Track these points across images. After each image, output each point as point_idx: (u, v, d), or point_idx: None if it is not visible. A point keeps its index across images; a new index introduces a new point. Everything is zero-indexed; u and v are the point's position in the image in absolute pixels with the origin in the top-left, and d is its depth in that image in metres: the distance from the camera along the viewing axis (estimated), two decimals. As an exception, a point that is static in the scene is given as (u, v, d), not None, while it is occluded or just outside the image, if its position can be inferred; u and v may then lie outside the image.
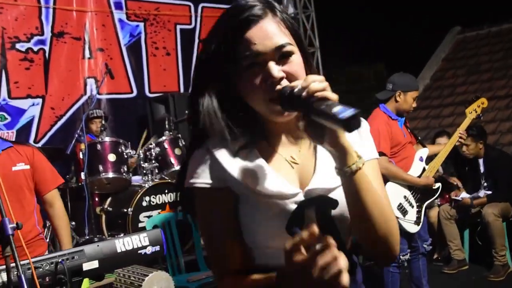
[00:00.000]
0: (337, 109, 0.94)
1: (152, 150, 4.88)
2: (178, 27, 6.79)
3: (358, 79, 11.39)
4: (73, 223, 4.76)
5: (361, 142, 1.16)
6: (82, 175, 4.55)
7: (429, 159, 3.89)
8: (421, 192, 3.68)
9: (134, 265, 3.35)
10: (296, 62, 1.08)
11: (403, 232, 3.58)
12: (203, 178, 1.11)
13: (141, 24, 6.46)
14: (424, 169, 3.73)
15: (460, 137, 3.86)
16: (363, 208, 1.04)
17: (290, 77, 1.05)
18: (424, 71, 8.76)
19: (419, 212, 3.66)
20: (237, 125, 1.11)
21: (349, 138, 1.06)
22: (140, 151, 4.93)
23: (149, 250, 2.85)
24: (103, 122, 4.91)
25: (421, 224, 3.66)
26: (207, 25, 7.08)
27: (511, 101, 7.08)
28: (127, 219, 4.52)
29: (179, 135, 5.16)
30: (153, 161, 4.87)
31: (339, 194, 1.09)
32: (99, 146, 4.67)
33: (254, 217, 1.10)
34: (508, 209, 4.85)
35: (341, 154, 1.01)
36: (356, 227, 1.10)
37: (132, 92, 6.38)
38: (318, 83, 0.98)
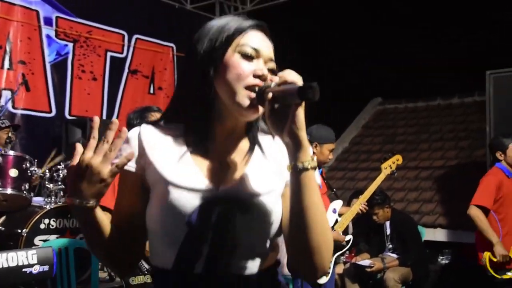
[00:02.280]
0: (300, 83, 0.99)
1: (60, 171, 4.60)
2: (109, 53, 6.67)
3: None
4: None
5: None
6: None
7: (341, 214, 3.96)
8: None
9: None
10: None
11: (312, 284, 3.55)
12: (126, 158, 1.12)
13: (70, 45, 6.27)
14: (336, 221, 3.77)
15: (361, 209, 4.00)
16: (305, 210, 1.04)
17: None
18: (344, 135, 9.13)
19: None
20: (196, 106, 1.15)
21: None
22: (46, 171, 4.62)
23: (36, 269, 2.60)
24: (9, 134, 4.58)
25: (329, 276, 3.66)
26: (138, 57, 7.02)
27: (419, 173, 7.49)
28: (19, 240, 4.15)
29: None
30: (59, 183, 4.57)
31: (261, 201, 1.11)
32: (0, 159, 4.32)
33: (164, 206, 1.11)
34: (408, 273, 4.98)
35: (297, 148, 1.03)
36: (291, 232, 1.10)
37: (50, 111, 6.09)
38: (294, 74, 1.03)
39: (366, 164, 8.15)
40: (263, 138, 1.22)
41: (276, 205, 1.14)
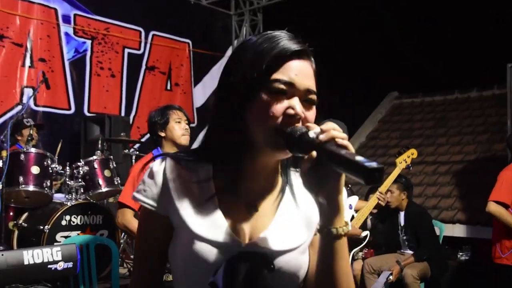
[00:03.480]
0: (360, 158, 0.90)
1: (80, 168, 4.65)
2: (126, 50, 6.71)
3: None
4: (-19, 236, 4.40)
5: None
6: (-1, 185, 4.23)
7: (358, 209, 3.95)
8: (348, 240, 3.70)
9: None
10: (314, 113, 1.07)
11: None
12: (148, 198, 1.10)
13: (88, 42, 6.33)
14: (353, 217, 3.77)
15: (378, 198, 3.98)
16: (333, 277, 1.00)
17: (305, 123, 1.03)
18: (361, 129, 9.09)
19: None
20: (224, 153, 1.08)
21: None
22: (67, 168, 4.66)
23: (60, 265, 2.64)
24: (31, 131, 4.63)
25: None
26: (155, 53, 7.06)
27: (437, 167, 7.42)
28: (42, 237, 4.21)
29: (111, 156, 4.97)
30: (80, 180, 4.62)
31: (288, 258, 1.06)
32: (22, 156, 4.38)
33: (187, 254, 1.06)
34: (427, 269, 4.95)
35: (332, 212, 0.97)
36: None
37: (69, 109, 6.16)
38: (338, 131, 0.95)
39: (383, 159, 8.10)
40: (294, 176, 1.15)
41: (303, 260, 1.10)
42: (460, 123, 8.22)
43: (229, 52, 8.24)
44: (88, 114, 6.24)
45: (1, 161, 4.28)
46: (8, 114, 5.52)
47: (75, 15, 6.17)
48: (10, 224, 4.51)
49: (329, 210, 0.97)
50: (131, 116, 6.68)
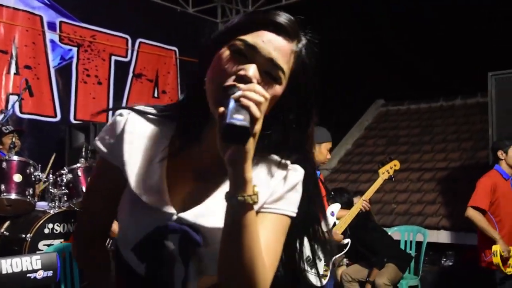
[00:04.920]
0: (236, 114, 0.84)
1: (64, 176, 4.63)
2: (113, 58, 6.71)
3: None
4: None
5: (281, 192, 1.06)
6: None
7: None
8: (329, 246, 3.71)
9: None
10: (274, 92, 0.99)
11: (310, 286, 3.58)
12: (103, 144, 1.11)
13: (74, 49, 6.32)
14: (334, 224, 3.80)
15: (363, 207, 4.02)
16: (233, 244, 0.94)
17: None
18: (347, 136, 9.14)
19: (327, 265, 3.69)
20: (194, 112, 1.06)
21: (266, 179, 1.05)
22: (50, 176, 4.65)
23: (40, 274, 2.64)
24: (13, 139, 4.61)
25: (328, 277, 3.68)
26: (142, 61, 7.06)
27: (422, 174, 7.49)
28: (24, 245, 4.18)
29: (95, 164, 4.94)
30: (63, 188, 4.61)
31: (215, 237, 1.01)
32: (4, 164, 4.36)
33: (127, 212, 1.07)
34: (395, 271, 4.98)
35: (236, 179, 0.91)
36: (219, 260, 0.98)
37: (55, 116, 6.13)
38: (258, 94, 0.89)
39: (369, 166, 8.15)
40: (264, 159, 1.09)
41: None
42: (445, 131, 8.30)
43: (216, 59, 8.26)
44: (74, 122, 6.22)
45: (-17, 169, 4.25)
46: (-8, 121, 5.48)
47: (60, 22, 6.16)
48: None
49: (233, 176, 0.91)
50: (118, 123, 6.64)
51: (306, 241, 3.64)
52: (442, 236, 6.27)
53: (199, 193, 1.06)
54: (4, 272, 2.22)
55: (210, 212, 1.03)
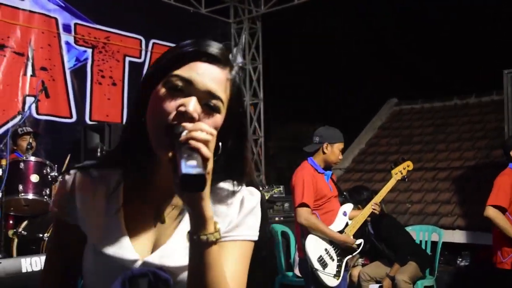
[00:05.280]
0: (189, 162, 0.83)
1: (80, 176, 4.67)
2: (127, 59, 6.77)
3: (298, 137, 11.66)
4: (-20, 245, 4.42)
5: (239, 218, 1.06)
6: (-1, 193, 4.26)
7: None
8: (341, 247, 3.71)
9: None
10: (215, 124, 0.98)
11: (322, 286, 3.58)
12: (57, 206, 1.11)
13: (89, 50, 6.38)
14: (347, 224, 3.78)
15: (374, 209, 4.00)
16: (200, 284, 0.94)
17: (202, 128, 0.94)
18: (360, 136, 9.11)
19: (339, 266, 3.68)
20: (136, 156, 1.05)
21: (223, 209, 1.03)
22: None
23: (58, 273, 2.67)
24: (30, 140, 4.67)
25: (340, 278, 3.66)
26: (156, 61, 7.09)
27: (437, 173, 7.43)
28: (41, 245, 4.25)
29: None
30: (79, 188, 4.64)
31: (184, 275, 1.00)
32: (22, 165, 4.42)
33: (91, 268, 1.05)
34: (416, 269, 4.95)
35: (196, 219, 0.90)
36: None
37: (71, 117, 6.20)
38: (204, 133, 0.88)
39: (383, 165, 8.11)
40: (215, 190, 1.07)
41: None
42: (459, 129, 8.23)
43: (228, 59, 8.28)
44: (90, 123, 6.28)
45: (0, 169, 4.32)
46: (10, 123, 5.57)
47: (75, 24, 6.23)
48: (10, 232, 4.53)
49: (194, 217, 0.91)
50: (132, 124, 6.70)
51: (317, 240, 3.60)
52: (458, 236, 6.22)
53: (160, 234, 1.05)
54: (24, 270, 2.26)
55: (174, 251, 1.02)
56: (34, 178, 4.46)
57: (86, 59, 6.35)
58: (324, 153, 3.75)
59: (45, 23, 5.92)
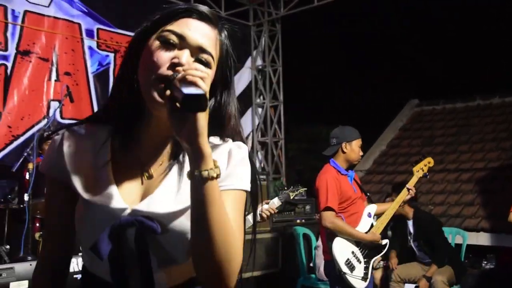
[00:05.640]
0: (189, 87, 0.88)
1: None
2: (148, 62, 6.84)
3: (317, 139, 11.62)
4: (7, 246, 4.50)
5: (229, 169, 1.08)
6: (26, 197, 4.34)
7: (378, 218, 3.93)
8: (368, 248, 3.70)
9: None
10: (208, 75, 1.03)
11: (350, 288, 3.57)
12: (46, 165, 1.12)
13: (111, 55, 6.46)
14: (372, 225, 3.76)
15: (409, 192, 3.91)
16: (205, 222, 0.94)
17: None
18: (381, 138, 9.05)
19: (366, 268, 3.66)
20: (124, 113, 1.08)
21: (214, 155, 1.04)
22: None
23: (86, 276, 2.71)
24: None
25: (368, 280, 3.65)
26: (176, 65, 7.15)
27: (460, 175, 7.35)
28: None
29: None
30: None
31: (174, 220, 1.03)
32: (48, 169, 4.49)
33: (83, 220, 1.07)
34: (452, 274, 4.91)
35: (196, 155, 0.92)
36: (193, 243, 0.99)
37: (94, 120, 6.28)
38: (199, 71, 0.93)
39: (404, 167, 8.05)
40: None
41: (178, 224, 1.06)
42: (482, 130, 8.13)
43: (248, 62, 8.32)
44: (111, 126, 6.36)
45: (27, 173, 4.40)
46: (35, 127, 5.66)
47: (98, 29, 6.32)
48: (37, 235, 4.61)
49: (193, 153, 0.93)
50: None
51: (344, 243, 3.59)
52: (482, 238, 6.14)
53: (148, 186, 1.08)
54: (53, 273, 2.27)
55: (162, 199, 1.04)
56: (60, 181, 4.52)
57: (109, 63, 6.43)
58: (344, 152, 3.75)
59: (68, 28, 6.02)
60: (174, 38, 1.01)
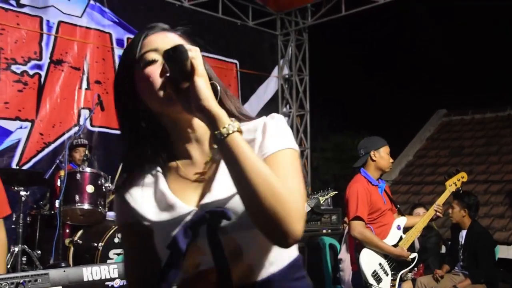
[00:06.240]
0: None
1: (132, 187, 4.79)
2: (176, 72, 6.93)
3: (342, 148, 11.54)
4: (39, 251, 4.59)
5: (264, 139, 1.10)
6: (57, 203, 4.43)
7: (406, 230, 3.88)
8: (396, 261, 3.66)
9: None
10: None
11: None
12: (117, 219, 1.22)
13: (140, 64, 6.57)
14: (401, 238, 3.72)
15: (436, 210, 3.88)
16: (241, 175, 0.97)
17: None
18: (408, 148, 8.94)
19: (393, 280, 3.63)
20: (150, 144, 1.16)
21: (249, 136, 1.09)
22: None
23: (117, 283, 2.75)
24: (86, 152, 4.84)
25: (395, 293, 3.61)
26: (204, 74, 7.22)
27: (489, 186, 7.21)
28: (96, 254, 4.37)
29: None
30: (132, 198, 4.76)
31: (235, 202, 1.06)
32: (78, 176, 4.58)
33: (159, 240, 1.13)
34: None
35: (209, 119, 0.99)
36: (242, 200, 1.01)
37: (123, 129, 6.37)
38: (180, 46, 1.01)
39: (431, 177, 7.94)
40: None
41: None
42: (513, 141, 7.97)
43: (275, 71, 8.34)
44: (141, 134, 6.45)
45: (59, 180, 4.49)
46: (66, 135, 5.78)
47: (128, 38, 6.43)
48: (66, 241, 4.69)
49: (206, 118, 0.99)
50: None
51: (371, 254, 3.57)
52: (513, 252, 6.00)
53: (203, 186, 1.14)
54: (85, 279, 2.35)
55: (221, 189, 1.08)
56: (90, 189, 4.61)
57: (138, 72, 6.54)
58: (373, 160, 3.74)
59: (100, 38, 6.14)
60: (151, 56, 1.09)
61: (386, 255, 3.64)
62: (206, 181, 1.13)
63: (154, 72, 1.08)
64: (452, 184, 4.00)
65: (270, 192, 0.96)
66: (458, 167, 7.76)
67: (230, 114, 1.10)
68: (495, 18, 8.87)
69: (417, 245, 5.26)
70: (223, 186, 1.08)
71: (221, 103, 1.08)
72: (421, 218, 3.94)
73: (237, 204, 1.04)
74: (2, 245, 2.65)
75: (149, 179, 1.16)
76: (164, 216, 1.11)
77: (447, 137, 8.92)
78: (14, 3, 5.49)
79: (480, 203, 6.95)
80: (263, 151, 1.08)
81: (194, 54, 1.01)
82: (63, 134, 5.78)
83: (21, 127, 5.50)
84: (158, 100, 1.08)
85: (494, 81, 9.23)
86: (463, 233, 5.04)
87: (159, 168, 1.16)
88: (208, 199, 1.09)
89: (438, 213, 3.88)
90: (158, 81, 1.07)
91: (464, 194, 4.73)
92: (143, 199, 1.15)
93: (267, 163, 1.03)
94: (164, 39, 1.12)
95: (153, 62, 1.09)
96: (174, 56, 0.99)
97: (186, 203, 1.10)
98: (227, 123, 0.98)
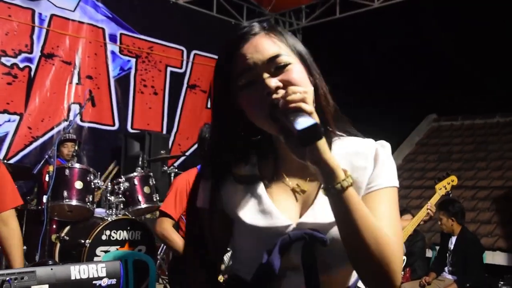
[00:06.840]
0: (298, 119, 0.89)
1: (121, 184, 4.76)
2: (169, 69, 6.89)
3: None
4: (25, 247, 4.53)
5: (377, 169, 1.09)
6: (44, 198, 4.37)
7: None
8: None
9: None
10: (295, 70, 1.05)
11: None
12: (204, 202, 1.16)
13: (133, 60, 6.52)
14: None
15: (429, 209, 3.89)
16: (352, 231, 0.97)
17: (289, 85, 1.00)
18: (397, 152, 8.98)
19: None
20: (253, 148, 1.14)
21: (356, 163, 1.07)
22: (109, 184, 4.80)
23: (104, 282, 2.72)
24: (75, 147, 4.79)
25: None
26: (197, 72, 7.21)
27: (476, 192, 7.26)
28: (82, 250, 4.33)
29: (151, 173, 5.07)
30: (120, 196, 4.74)
31: (334, 231, 1.04)
32: (67, 171, 4.53)
33: (245, 240, 1.13)
34: None
35: (325, 172, 0.96)
36: (348, 251, 1.01)
37: (113, 125, 6.34)
38: (298, 94, 0.95)
39: (420, 182, 7.98)
40: (336, 144, 1.13)
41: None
42: (501, 147, 8.03)
43: (267, 71, 8.33)
44: (131, 131, 6.41)
45: (47, 175, 4.44)
46: (55, 129, 5.73)
47: (121, 34, 6.39)
48: (53, 236, 4.63)
49: (321, 171, 0.96)
50: (172, 133, 6.83)
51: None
52: (499, 258, 6.05)
53: (303, 201, 1.11)
54: (73, 278, 2.32)
55: (323, 211, 1.06)
56: (78, 185, 4.56)
57: (130, 68, 6.50)
58: None
59: (92, 33, 6.10)
60: (248, 77, 1.03)
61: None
62: (306, 196, 1.11)
63: (256, 98, 1.02)
64: (442, 188, 4.02)
65: (377, 250, 0.97)
66: (446, 172, 7.84)
67: (325, 123, 1.08)
68: (486, 25, 8.93)
69: (404, 250, 5.29)
70: (325, 209, 1.04)
71: (320, 110, 1.04)
72: (411, 221, 3.95)
73: (337, 235, 1.03)
74: (15, 236, 2.62)
75: (245, 178, 1.13)
76: (259, 220, 1.08)
77: (436, 142, 8.97)
78: (6, -6, 5.44)
79: (467, 209, 7.02)
80: (371, 183, 1.08)
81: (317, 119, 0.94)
82: (52, 128, 5.73)
83: (9, 120, 5.44)
84: (263, 125, 1.04)
85: (484, 88, 9.30)
86: (453, 239, 5.08)
87: (256, 170, 1.14)
88: (308, 218, 1.07)
89: (430, 212, 3.90)
90: (261, 107, 1.01)
91: (447, 203, 4.75)
92: (236, 196, 1.13)
93: (373, 196, 1.06)
94: (256, 49, 1.04)
95: (250, 84, 1.03)
96: (308, 137, 0.90)
97: (283, 214, 1.08)
98: (341, 178, 0.95)
